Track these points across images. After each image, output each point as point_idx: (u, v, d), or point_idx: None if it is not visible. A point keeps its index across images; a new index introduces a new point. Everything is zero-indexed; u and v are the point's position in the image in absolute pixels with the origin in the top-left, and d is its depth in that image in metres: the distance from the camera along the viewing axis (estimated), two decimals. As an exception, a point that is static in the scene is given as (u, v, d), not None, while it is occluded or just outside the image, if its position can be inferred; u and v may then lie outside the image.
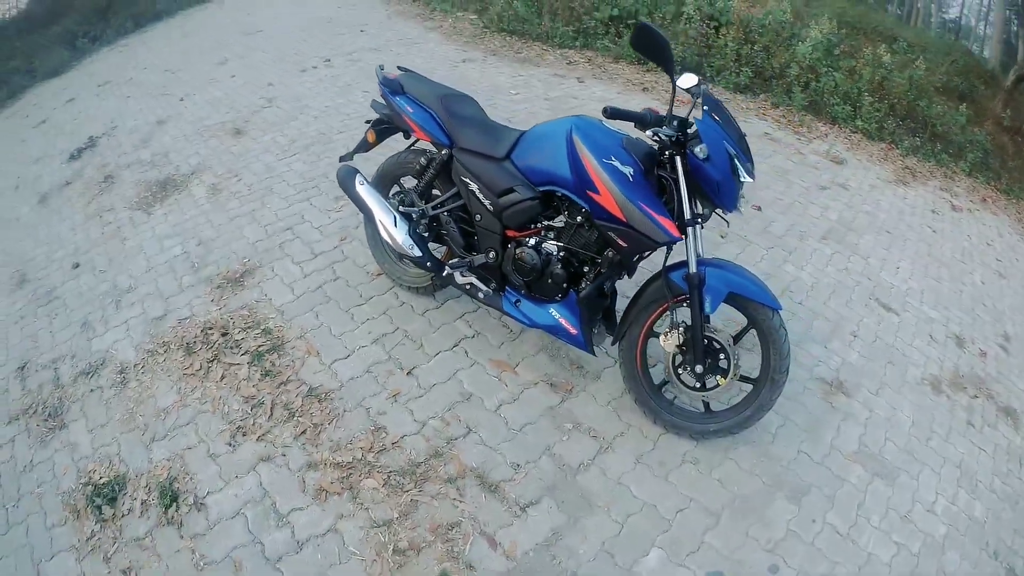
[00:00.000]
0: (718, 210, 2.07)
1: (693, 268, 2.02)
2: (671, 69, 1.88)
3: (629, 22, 6.82)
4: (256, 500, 2.13)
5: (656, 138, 1.96)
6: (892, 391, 2.89)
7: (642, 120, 1.93)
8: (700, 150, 1.90)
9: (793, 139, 5.59)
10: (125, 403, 2.60)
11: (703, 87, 2.00)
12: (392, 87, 2.56)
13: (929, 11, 15.42)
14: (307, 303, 2.93)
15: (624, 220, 2.01)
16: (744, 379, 2.23)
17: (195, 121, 5.10)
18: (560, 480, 2.21)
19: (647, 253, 2.17)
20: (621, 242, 2.07)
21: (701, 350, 2.12)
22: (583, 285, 2.24)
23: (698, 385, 2.21)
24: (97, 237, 3.82)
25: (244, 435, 2.35)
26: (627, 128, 2.02)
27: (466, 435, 2.32)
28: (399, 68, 2.72)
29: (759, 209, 4.08)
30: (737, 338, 2.20)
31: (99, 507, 2.19)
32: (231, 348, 2.73)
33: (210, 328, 2.84)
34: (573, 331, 2.25)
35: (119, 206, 4.07)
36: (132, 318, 3.05)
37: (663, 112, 1.98)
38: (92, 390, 2.71)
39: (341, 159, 2.80)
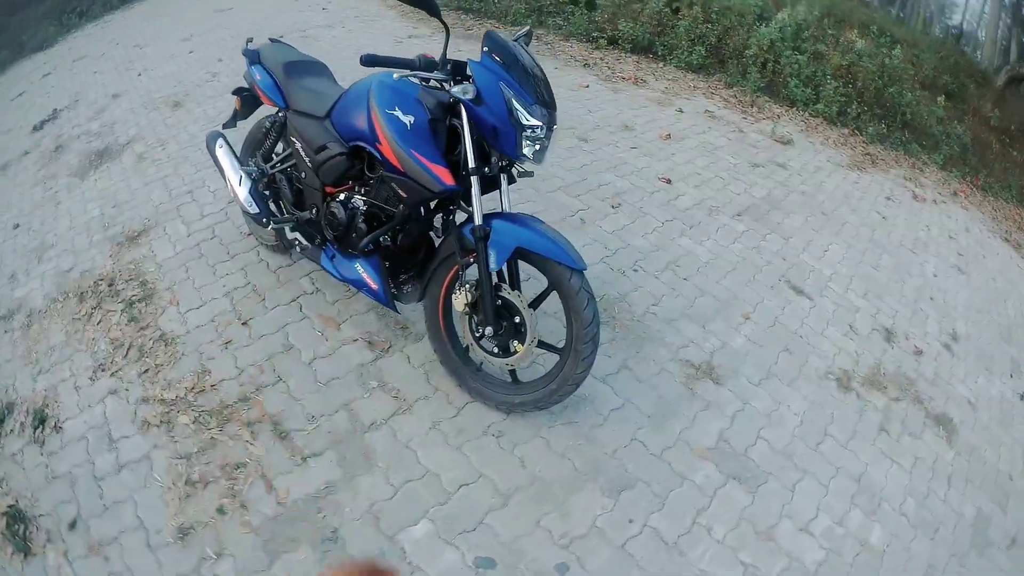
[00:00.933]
0: (520, 163, 2.04)
1: (478, 220, 1.99)
2: (436, 11, 1.92)
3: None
4: (98, 427, 2.44)
5: (429, 84, 2.03)
6: (781, 383, 2.76)
7: (410, 65, 1.96)
8: (462, 90, 1.91)
9: (737, 118, 5.65)
10: (27, 342, 2.97)
11: (517, 34, 2.07)
12: (252, 57, 2.81)
13: (931, 16, 15.23)
14: (183, 259, 3.24)
15: (401, 169, 2.06)
16: (550, 348, 2.24)
17: (145, 94, 5.47)
18: (348, 436, 2.27)
19: (432, 205, 2.27)
20: (402, 192, 2.13)
21: (491, 311, 2.08)
22: (383, 241, 2.36)
23: (497, 351, 2.19)
24: (39, 201, 4.21)
25: (103, 371, 2.68)
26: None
27: (275, 384, 2.48)
28: (270, 39, 2.98)
29: (668, 182, 4.21)
30: (537, 301, 2.17)
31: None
32: (112, 297, 3.06)
33: (101, 279, 3.20)
34: (374, 286, 2.37)
35: (62, 173, 4.46)
36: (47, 271, 3.42)
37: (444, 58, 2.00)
38: (5, 331, 3.10)
39: (224, 126, 3.10)
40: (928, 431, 2.86)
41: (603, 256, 3.37)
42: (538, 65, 2.05)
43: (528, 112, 1.90)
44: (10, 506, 2.27)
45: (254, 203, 2.72)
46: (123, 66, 6.49)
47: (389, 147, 2.07)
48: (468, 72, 1.96)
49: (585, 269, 1.99)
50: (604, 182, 4.13)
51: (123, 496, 2.20)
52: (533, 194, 3.84)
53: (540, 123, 1.92)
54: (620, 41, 6.61)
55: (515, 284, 2.20)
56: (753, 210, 4.16)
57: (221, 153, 2.86)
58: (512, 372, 2.33)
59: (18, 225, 4.01)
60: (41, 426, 2.51)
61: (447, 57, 2.01)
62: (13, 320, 3.14)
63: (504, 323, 2.13)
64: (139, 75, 6.06)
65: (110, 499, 2.20)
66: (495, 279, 2.12)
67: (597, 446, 2.31)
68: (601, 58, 6.42)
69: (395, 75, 2.04)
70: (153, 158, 4.33)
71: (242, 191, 2.74)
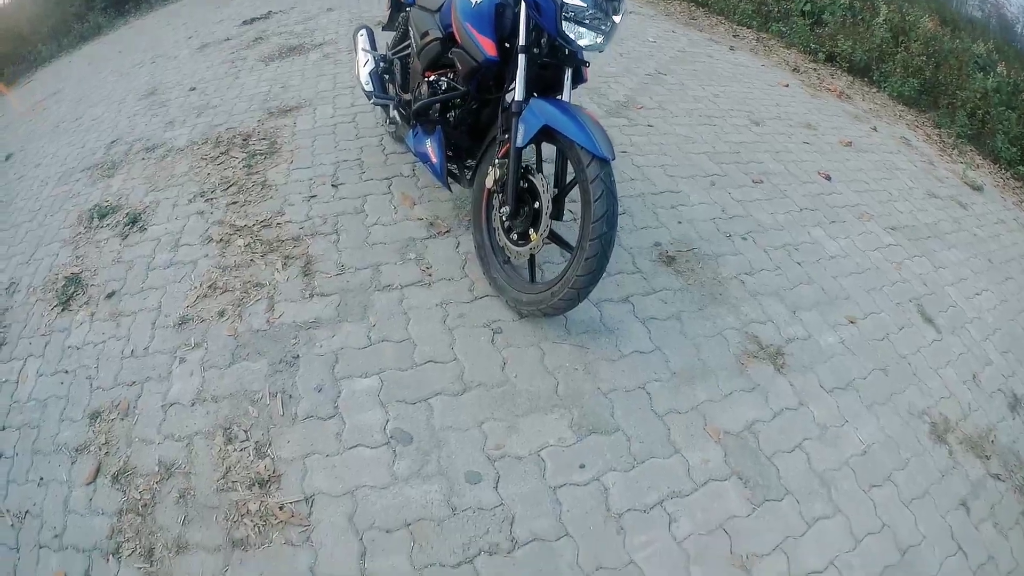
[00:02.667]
0: (576, 47, 2.00)
1: (519, 96, 2.03)
2: None
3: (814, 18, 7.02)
4: (172, 233, 2.87)
5: None
6: (859, 401, 2.39)
7: None
8: None
9: (932, 152, 5.10)
10: (156, 169, 3.55)
11: None
12: None
13: None
14: (316, 132, 3.61)
15: (459, 41, 2.23)
16: (563, 244, 2.25)
17: (356, 14, 6.11)
18: (360, 288, 2.42)
19: (489, 85, 2.30)
20: (460, 64, 2.26)
21: (512, 190, 2.11)
22: (450, 117, 2.48)
23: (514, 236, 2.22)
24: (220, 74, 4.95)
25: (201, 196, 3.12)
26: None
27: (328, 235, 2.72)
28: None
29: (828, 178, 3.86)
30: (565, 189, 2.15)
31: (98, 217, 3.17)
32: (241, 147, 3.53)
33: (239, 135, 3.69)
34: (435, 159, 2.50)
35: (251, 57, 5.17)
36: (200, 123, 4.03)
37: None
38: (143, 159, 3.71)
39: (383, 28, 3.44)
40: (1021, 528, 2.25)
41: (715, 216, 3.14)
42: None
43: None
44: (73, 273, 2.75)
45: (371, 82, 3.07)
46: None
47: (453, 21, 2.25)
48: None
49: (611, 159, 1.88)
50: (757, 160, 3.86)
51: (159, 284, 2.58)
52: (671, 149, 3.73)
53: (583, 4, 1.91)
54: (838, 58, 6.36)
55: (559, 179, 2.16)
56: (911, 230, 3.62)
57: (359, 40, 3.32)
58: (531, 271, 2.33)
59: (194, 88, 4.75)
60: (132, 224, 3.01)
61: None
62: (154, 152, 3.77)
63: (525, 207, 2.14)
64: (359, -1, 6.70)
65: (148, 285, 2.60)
66: (530, 162, 2.17)
67: (594, 379, 2.13)
68: (814, 69, 6.15)
69: None
70: (336, 59, 4.86)
71: (364, 71, 3.13)
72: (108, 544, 1.74)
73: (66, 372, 2.32)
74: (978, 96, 5.77)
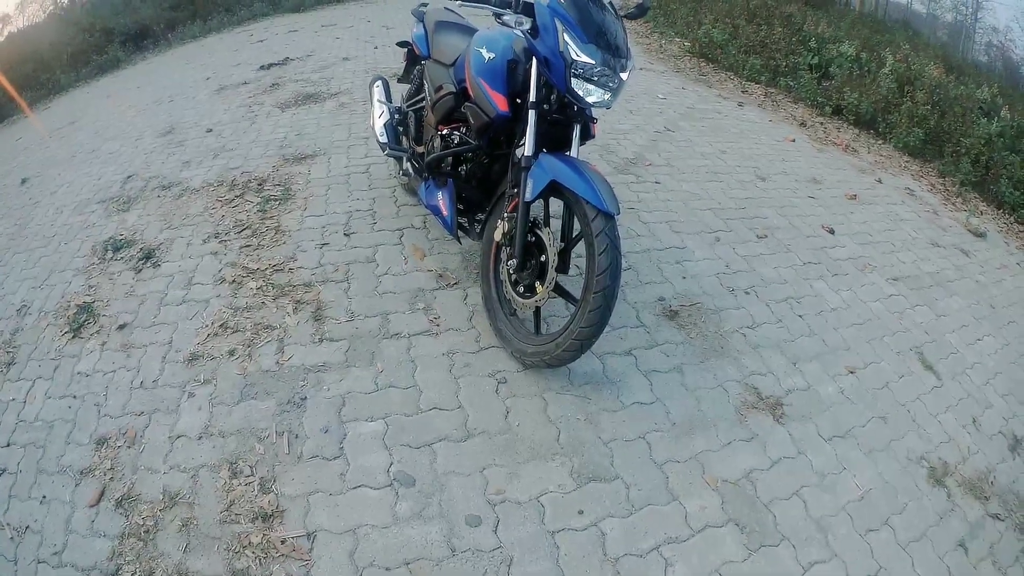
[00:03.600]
0: (584, 103, 2.12)
1: (528, 151, 2.15)
2: None
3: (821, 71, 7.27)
4: (186, 272, 3.00)
5: (501, 22, 2.22)
6: (858, 448, 2.46)
7: (488, 1, 2.18)
8: (516, 20, 2.10)
9: (936, 202, 5.26)
10: (171, 207, 3.71)
11: None
12: (418, 16, 3.28)
13: None
14: (330, 181, 3.79)
15: (472, 96, 2.37)
16: (568, 297, 2.28)
17: (372, 64, 6.42)
18: (369, 336, 2.53)
19: (500, 140, 2.43)
20: (472, 119, 2.38)
21: (520, 243, 2.21)
22: (461, 171, 2.61)
23: (520, 289, 2.29)
24: (237, 117, 5.20)
25: (215, 237, 3.26)
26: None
27: (340, 282, 2.84)
28: (445, 7, 3.41)
29: (831, 232, 3.99)
30: (571, 243, 2.27)
31: (113, 249, 3.32)
32: (255, 192, 3.71)
33: (254, 179, 3.89)
34: (445, 212, 2.62)
35: (268, 103, 5.43)
36: (216, 165, 4.22)
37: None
38: (159, 196, 3.89)
39: (399, 80, 3.63)
40: (1020, 565, 2.28)
41: (719, 271, 3.26)
42: (616, 15, 2.20)
43: (579, 48, 2.01)
44: (86, 302, 2.90)
45: (385, 133, 3.25)
46: (364, 39, 7.66)
47: (467, 76, 2.38)
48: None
49: (615, 215, 1.99)
50: (761, 215, 4.01)
51: (171, 320, 2.70)
52: (677, 206, 3.88)
53: (592, 61, 2.02)
54: (845, 111, 6.53)
55: (565, 233, 2.30)
56: (913, 280, 3.76)
57: (375, 91, 3.49)
58: (536, 323, 2.40)
59: (211, 130, 4.98)
60: (146, 260, 3.16)
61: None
62: (170, 190, 3.95)
63: (532, 261, 2.24)
64: (375, 48, 7.08)
65: (160, 320, 2.72)
66: (538, 216, 2.28)
67: (595, 429, 2.21)
68: (820, 123, 6.35)
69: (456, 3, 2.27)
70: (351, 109, 5.11)
71: (378, 123, 3.32)
72: (108, 565, 1.80)
73: (74, 397, 2.41)
74: (982, 142, 5.87)
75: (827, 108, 6.64)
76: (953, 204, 5.34)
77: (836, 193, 4.69)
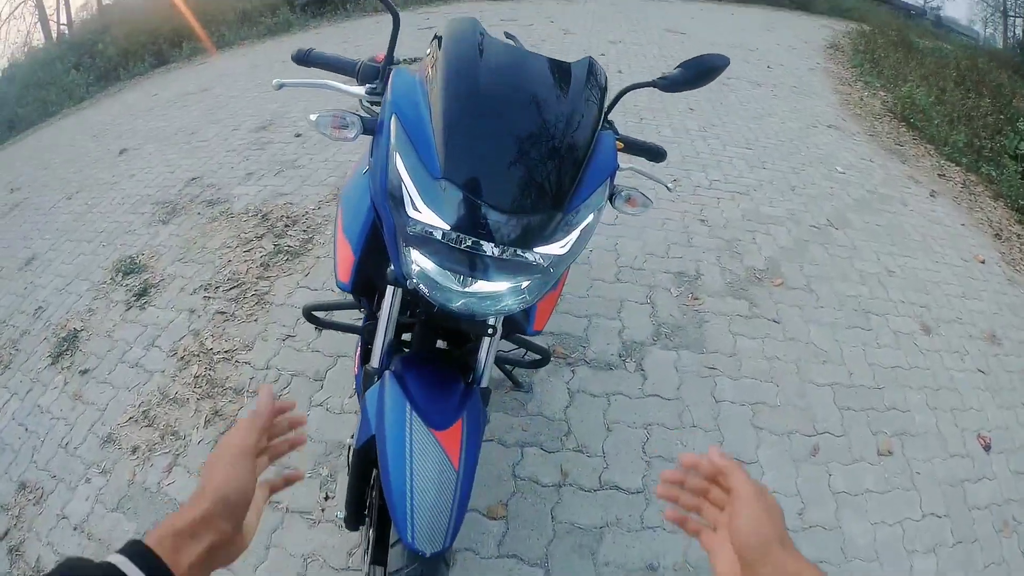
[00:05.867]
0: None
1: (374, 358, 1.50)
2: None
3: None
4: (160, 326, 3.36)
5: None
6: None
7: (346, 69, 1.67)
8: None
9: None
10: (199, 232, 4.11)
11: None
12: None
13: None
14: None
15: None
16: None
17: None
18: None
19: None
20: None
21: (352, 501, 1.58)
22: None
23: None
24: (324, 143, 5.40)
25: (205, 290, 3.57)
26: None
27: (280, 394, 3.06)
28: None
29: (988, 448, 2.81)
30: None
31: (124, 273, 3.76)
32: (275, 236, 3.93)
33: (288, 217, 4.11)
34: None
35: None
36: (271, 186, 4.56)
37: None
38: (199, 213, 4.32)
39: None
40: None
41: (788, 512, 2.35)
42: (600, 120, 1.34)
43: (421, 192, 1.13)
44: (75, 328, 3.38)
45: None
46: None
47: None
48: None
49: (427, 556, 1.20)
50: (901, 405, 2.94)
51: (118, 383, 3.05)
52: (783, 374, 2.97)
53: (443, 225, 1.12)
54: None
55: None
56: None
57: None
58: None
59: (299, 135, 5.32)
60: (139, 297, 3.58)
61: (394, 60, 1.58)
62: (212, 208, 4.35)
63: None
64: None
65: (111, 379, 3.08)
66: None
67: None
68: (1018, 235, 5.08)
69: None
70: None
71: None
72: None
73: (26, 429, 2.88)
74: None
75: (1029, 214, 5.39)
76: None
77: (1018, 366, 3.38)
